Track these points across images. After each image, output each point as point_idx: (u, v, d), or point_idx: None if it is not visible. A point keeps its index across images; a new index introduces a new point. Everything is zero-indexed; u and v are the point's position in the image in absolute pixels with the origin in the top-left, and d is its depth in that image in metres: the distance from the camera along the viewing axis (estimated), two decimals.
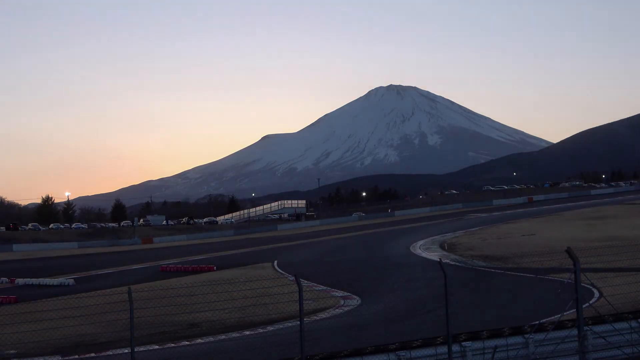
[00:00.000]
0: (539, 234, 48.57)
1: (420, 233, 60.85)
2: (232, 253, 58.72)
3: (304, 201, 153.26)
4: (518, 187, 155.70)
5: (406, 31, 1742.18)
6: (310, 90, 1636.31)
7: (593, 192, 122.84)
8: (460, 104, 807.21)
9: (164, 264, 47.62)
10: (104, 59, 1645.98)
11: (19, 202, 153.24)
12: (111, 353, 17.40)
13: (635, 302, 16.30)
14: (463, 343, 11.45)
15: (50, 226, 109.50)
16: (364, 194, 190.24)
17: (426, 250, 44.32)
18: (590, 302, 16.77)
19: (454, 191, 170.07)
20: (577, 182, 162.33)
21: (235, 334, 19.53)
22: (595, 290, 20.26)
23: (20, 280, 41.79)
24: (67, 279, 40.66)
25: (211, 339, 18.96)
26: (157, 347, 17.93)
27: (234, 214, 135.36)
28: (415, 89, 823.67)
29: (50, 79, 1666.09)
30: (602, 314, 12.55)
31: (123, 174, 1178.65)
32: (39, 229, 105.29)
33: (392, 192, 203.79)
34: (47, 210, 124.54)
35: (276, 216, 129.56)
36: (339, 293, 27.23)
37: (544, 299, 20.64)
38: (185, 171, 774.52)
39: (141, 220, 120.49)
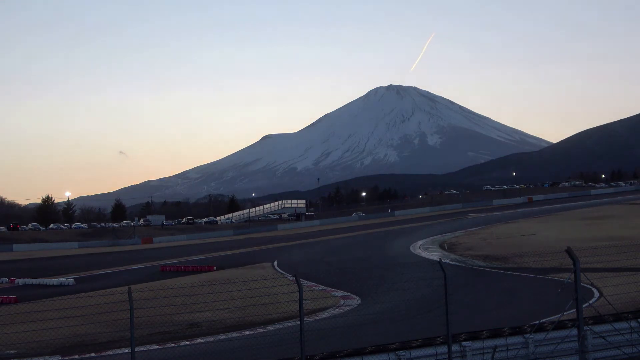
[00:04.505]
0: (539, 234, 48.52)
1: (420, 233, 60.80)
2: (232, 253, 58.67)
3: (304, 201, 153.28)
4: (518, 187, 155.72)
5: (406, 31, 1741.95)
6: (310, 90, 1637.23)
7: (593, 192, 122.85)
8: (460, 104, 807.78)
9: (164, 264, 47.57)
10: (104, 59, 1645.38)
11: (19, 202, 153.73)
12: (111, 353, 17.38)
13: (635, 302, 16.31)
14: (463, 343, 11.45)
15: (51, 226, 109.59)
16: (363, 193, 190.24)
17: (426, 250, 44.26)
18: (590, 302, 16.78)
19: (454, 191, 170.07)
20: (577, 182, 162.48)
21: (235, 334, 19.50)
22: (595, 290, 20.27)
23: (20, 280, 41.76)
24: (67, 279, 40.61)
25: (211, 339, 18.93)
26: (157, 347, 17.90)
27: (234, 214, 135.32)
28: (415, 89, 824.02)
29: (50, 78, 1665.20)
30: (602, 314, 12.56)
31: (123, 174, 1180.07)
32: (39, 229, 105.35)
33: (392, 192, 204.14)
34: (47, 210, 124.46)
35: (276, 216, 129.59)
36: (339, 293, 27.20)
37: (544, 298, 20.64)
38: (185, 171, 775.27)
39: (141, 220, 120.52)
